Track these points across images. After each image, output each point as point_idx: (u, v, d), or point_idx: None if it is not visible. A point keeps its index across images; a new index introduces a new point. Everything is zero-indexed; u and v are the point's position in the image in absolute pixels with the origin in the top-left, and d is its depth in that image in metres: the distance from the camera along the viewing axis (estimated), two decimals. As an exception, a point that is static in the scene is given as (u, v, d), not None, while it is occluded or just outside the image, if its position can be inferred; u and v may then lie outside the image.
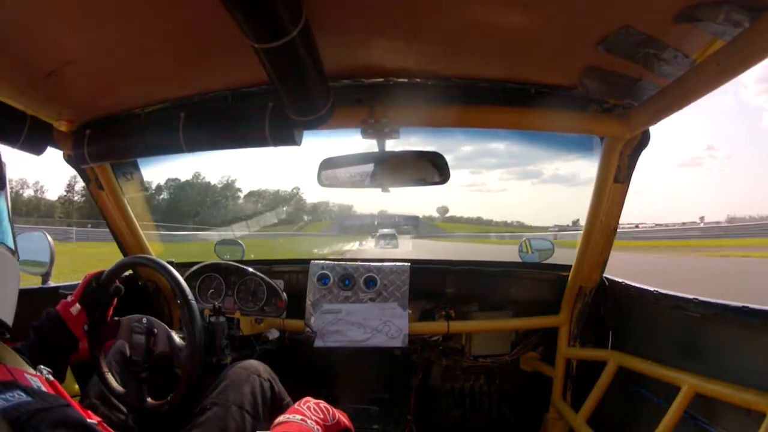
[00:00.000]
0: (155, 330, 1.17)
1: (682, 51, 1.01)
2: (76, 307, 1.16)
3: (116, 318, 1.24)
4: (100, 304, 1.23)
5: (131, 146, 1.43)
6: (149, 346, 1.16)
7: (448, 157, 1.47)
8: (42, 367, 0.82)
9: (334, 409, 1.03)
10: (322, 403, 1.02)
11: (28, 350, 1.05)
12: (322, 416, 0.98)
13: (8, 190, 0.82)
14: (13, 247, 0.77)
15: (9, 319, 0.74)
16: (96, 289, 1.23)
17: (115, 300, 1.29)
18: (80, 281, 1.24)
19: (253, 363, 1.40)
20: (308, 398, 1.03)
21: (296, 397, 1.08)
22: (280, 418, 0.95)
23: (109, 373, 1.22)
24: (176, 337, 1.20)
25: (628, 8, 0.92)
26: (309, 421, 0.94)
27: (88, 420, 0.70)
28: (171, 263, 1.29)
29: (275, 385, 1.38)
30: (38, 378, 0.76)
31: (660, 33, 0.96)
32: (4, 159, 0.81)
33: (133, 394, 1.18)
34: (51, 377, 0.81)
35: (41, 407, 0.61)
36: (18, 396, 0.61)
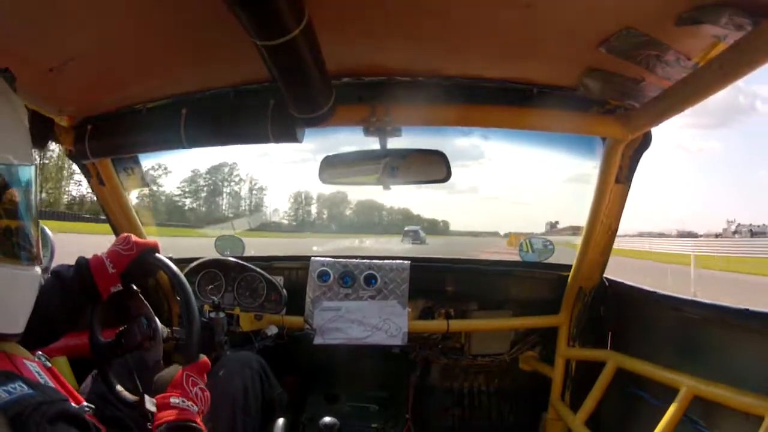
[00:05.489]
0: (153, 341, 1.14)
1: (684, 53, 1.01)
2: (117, 286, 1.07)
3: (137, 289, 1.15)
4: (140, 277, 1.13)
5: (133, 142, 1.44)
6: (142, 345, 1.13)
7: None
8: (40, 353, 0.83)
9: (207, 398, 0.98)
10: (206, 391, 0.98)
11: (46, 291, 0.94)
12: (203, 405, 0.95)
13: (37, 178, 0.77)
14: (27, 259, 0.74)
15: (17, 330, 0.74)
16: (140, 261, 1.10)
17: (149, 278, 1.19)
18: (120, 243, 1.10)
19: (246, 355, 1.40)
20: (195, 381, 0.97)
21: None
22: (174, 401, 0.90)
23: (99, 327, 1.13)
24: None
25: (630, 10, 0.92)
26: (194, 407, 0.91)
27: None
28: (170, 259, 1.28)
29: (266, 378, 1.39)
30: (36, 363, 0.76)
31: (662, 35, 0.96)
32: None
33: (103, 355, 1.12)
34: (49, 363, 0.82)
35: (43, 400, 0.61)
36: (20, 388, 0.62)
